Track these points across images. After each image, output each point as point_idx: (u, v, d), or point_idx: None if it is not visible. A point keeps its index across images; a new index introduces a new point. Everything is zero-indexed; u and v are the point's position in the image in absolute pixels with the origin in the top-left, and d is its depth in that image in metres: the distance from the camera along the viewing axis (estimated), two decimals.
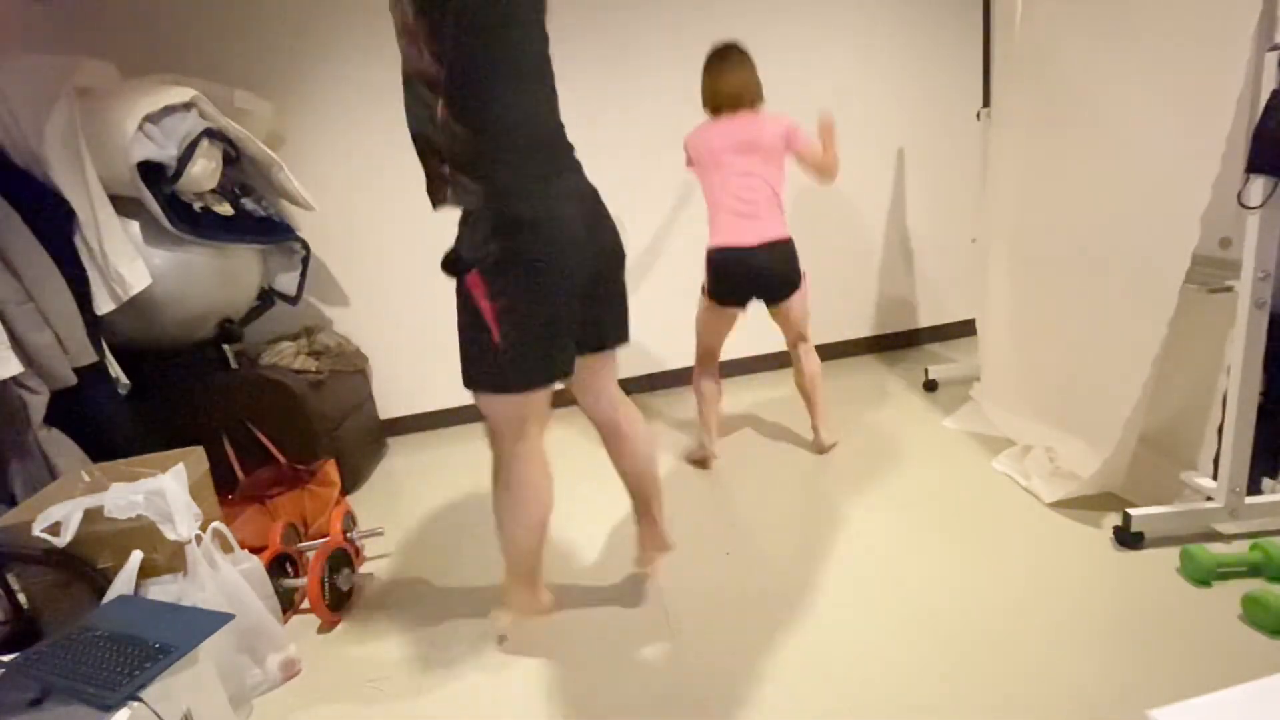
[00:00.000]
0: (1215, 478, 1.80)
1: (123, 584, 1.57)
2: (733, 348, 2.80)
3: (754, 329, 3.01)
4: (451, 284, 1.48)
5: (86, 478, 1.87)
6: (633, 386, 3.45)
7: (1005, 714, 1.39)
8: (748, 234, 2.30)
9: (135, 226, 2.26)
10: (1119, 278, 1.89)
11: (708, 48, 2.36)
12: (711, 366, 2.61)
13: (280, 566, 1.98)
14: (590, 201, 1.49)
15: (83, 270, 2.14)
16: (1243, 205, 1.58)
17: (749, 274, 2.35)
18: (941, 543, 1.97)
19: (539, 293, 1.40)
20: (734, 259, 2.32)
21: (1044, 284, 2.23)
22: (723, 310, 2.44)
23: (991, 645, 1.57)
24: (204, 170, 2.34)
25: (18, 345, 1.93)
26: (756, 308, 2.44)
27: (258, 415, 2.51)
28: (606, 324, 1.58)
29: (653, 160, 3.12)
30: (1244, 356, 1.66)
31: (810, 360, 2.56)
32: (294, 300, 2.90)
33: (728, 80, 2.33)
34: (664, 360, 3.47)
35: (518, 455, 1.54)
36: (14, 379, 1.92)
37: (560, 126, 1.49)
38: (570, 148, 1.50)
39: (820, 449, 2.62)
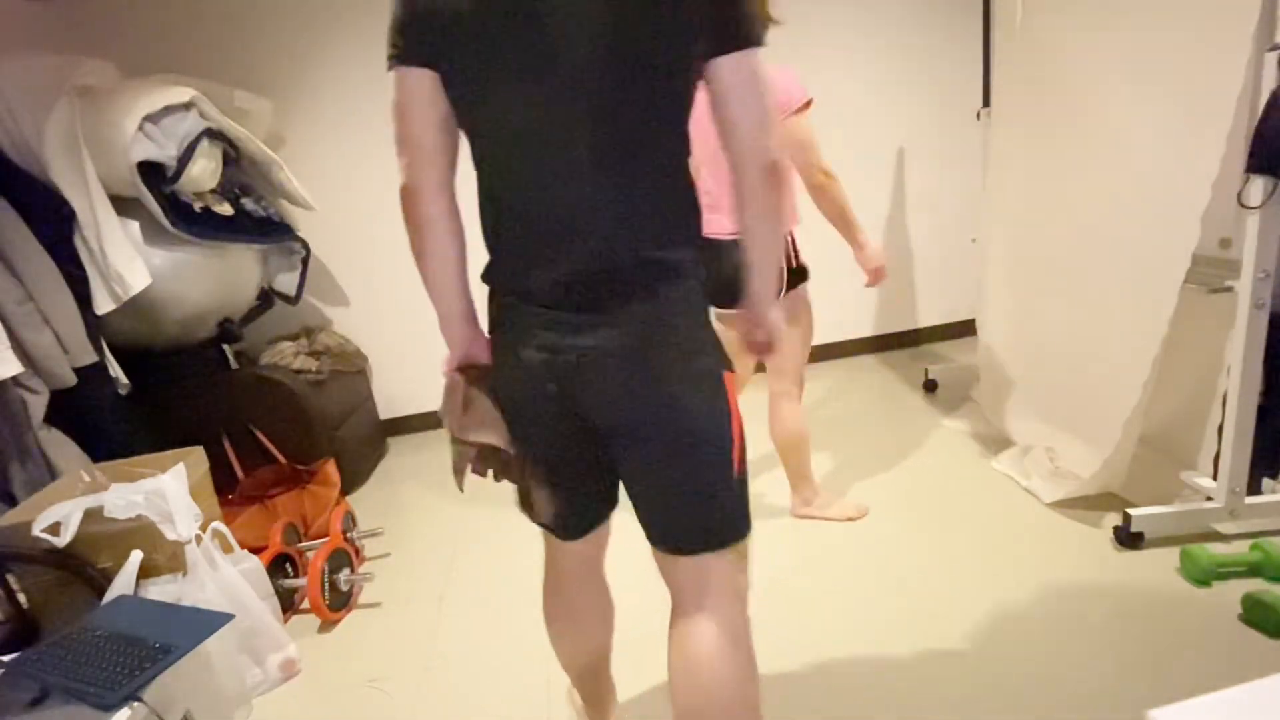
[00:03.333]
0: (1215, 478, 1.79)
1: (123, 584, 1.57)
2: None
3: None
4: None
5: (86, 478, 1.87)
6: None
7: (1005, 714, 1.39)
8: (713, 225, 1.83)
9: (135, 226, 2.26)
10: (1119, 278, 1.89)
11: None
12: None
13: (280, 566, 1.98)
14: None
15: (83, 270, 2.14)
16: (1243, 205, 1.58)
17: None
18: (941, 543, 1.96)
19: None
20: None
21: (1044, 284, 2.23)
22: None
23: (991, 645, 1.57)
24: (204, 170, 2.34)
25: (18, 345, 1.93)
26: None
27: (258, 415, 2.51)
28: (669, 509, 1.02)
29: None
30: (1244, 356, 1.66)
31: (786, 414, 1.99)
32: (294, 300, 2.90)
33: None
34: None
35: (544, 580, 1.23)
36: (14, 379, 1.92)
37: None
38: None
39: (795, 513, 2.15)
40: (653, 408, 0.95)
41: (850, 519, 2.11)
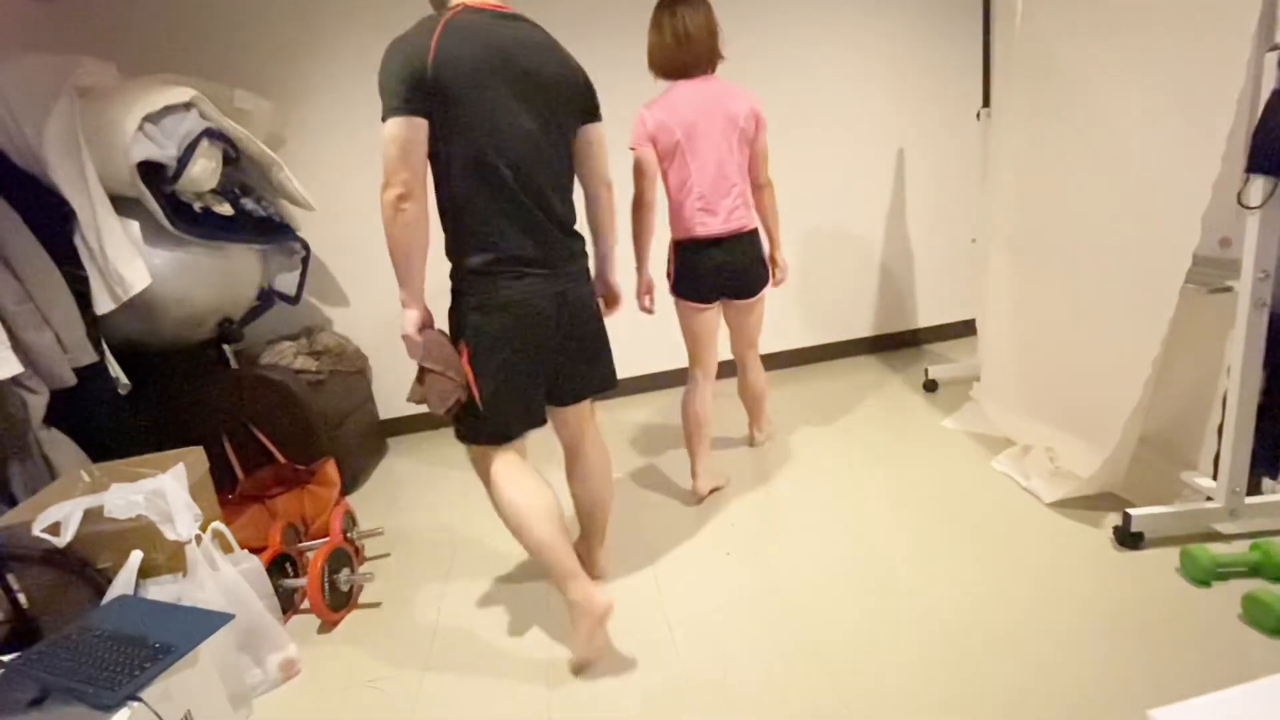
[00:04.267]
0: (1215, 478, 1.80)
1: (123, 584, 1.57)
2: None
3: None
4: (447, 285, 1.57)
5: (86, 478, 1.87)
6: (634, 387, 3.45)
7: (1005, 714, 1.39)
8: (715, 223, 2.13)
9: (135, 226, 2.26)
10: (1119, 277, 1.89)
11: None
12: (699, 383, 2.31)
13: (280, 566, 1.98)
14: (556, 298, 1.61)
15: (83, 270, 2.13)
16: (1243, 205, 1.58)
17: (717, 268, 2.16)
18: (942, 543, 1.96)
19: (506, 364, 1.58)
20: (704, 250, 2.15)
21: (1044, 284, 2.23)
22: (693, 309, 2.24)
23: (991, 645, 1.57)
24: (204, 170, 2.34)
25: (18, 345, 1.93)
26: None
27: (258, 415, 2.51)
28: (583, 379, 1.76)
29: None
30: (1244, 356, 1.66)
31: (759, 373, 2.51)
32: (294, 300, 2.90)
33: (694, 26, 2.01)
34: (664, 360, 3.47)
35: (492, 480, 1.66)
36: (14, 379, 1.91)
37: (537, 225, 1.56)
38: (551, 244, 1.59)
39: (752, 443, 2.74)
40: (593, 317, 1.72)
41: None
